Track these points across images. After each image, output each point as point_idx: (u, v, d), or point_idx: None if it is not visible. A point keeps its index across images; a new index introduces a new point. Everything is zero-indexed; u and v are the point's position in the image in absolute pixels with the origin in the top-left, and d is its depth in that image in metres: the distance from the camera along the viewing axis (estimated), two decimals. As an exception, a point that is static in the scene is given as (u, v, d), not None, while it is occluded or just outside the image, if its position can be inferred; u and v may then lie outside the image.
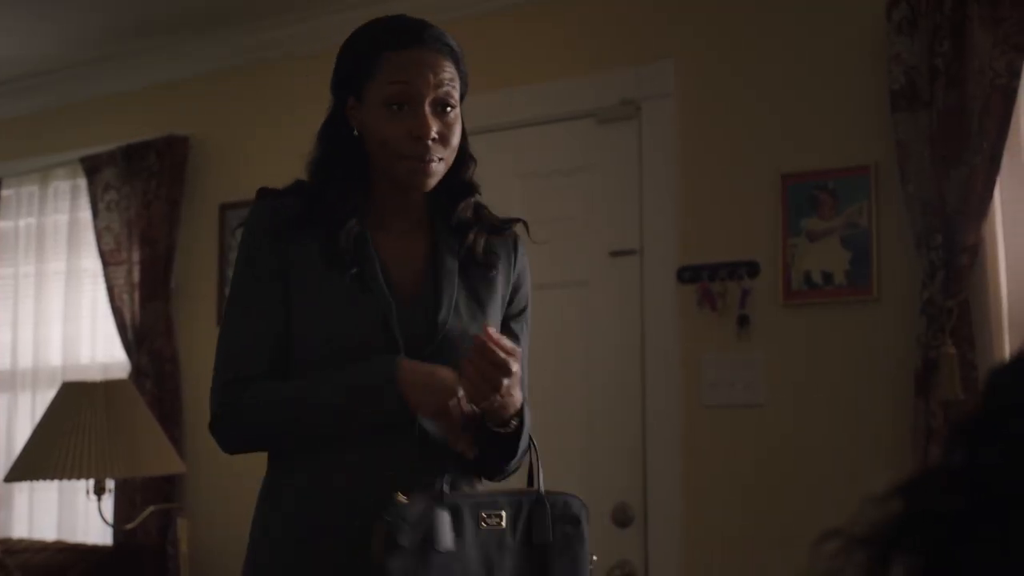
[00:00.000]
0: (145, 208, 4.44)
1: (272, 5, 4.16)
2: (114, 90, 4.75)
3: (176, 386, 4.40)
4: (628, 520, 3.42)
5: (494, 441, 1.91)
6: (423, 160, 1.90)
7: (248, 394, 1.90)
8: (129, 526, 3.96)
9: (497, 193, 3.68)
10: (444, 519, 1.80)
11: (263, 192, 2.06)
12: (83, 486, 3.74)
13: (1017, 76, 2.88)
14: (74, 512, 4.61)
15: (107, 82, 4.75)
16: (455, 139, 1.95)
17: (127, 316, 4.46)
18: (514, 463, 1.98)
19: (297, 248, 1.93)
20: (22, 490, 4.79)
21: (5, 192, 5.02)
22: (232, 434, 1.94)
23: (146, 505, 4.02)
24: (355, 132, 1.97)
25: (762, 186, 3.30)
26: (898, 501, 0.66)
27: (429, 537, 1.78)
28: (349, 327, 1.89)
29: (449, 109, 1.93)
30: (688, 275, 3.39)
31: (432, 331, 1.93)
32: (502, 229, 2.12)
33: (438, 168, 1.93)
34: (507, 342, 1.78)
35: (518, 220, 2.18)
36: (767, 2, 3.38)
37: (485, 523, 1.85)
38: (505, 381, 1.78)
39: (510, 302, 2.11)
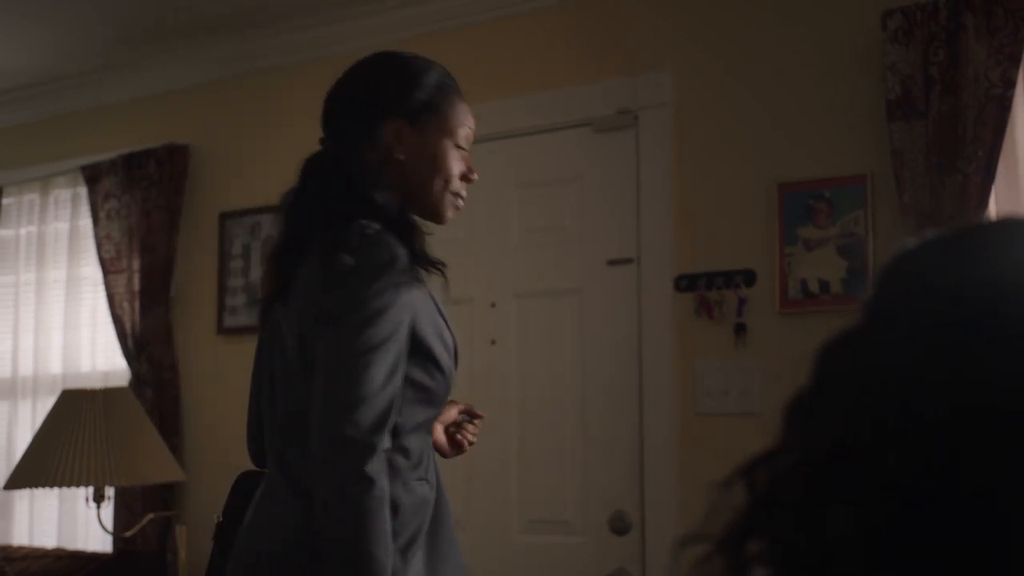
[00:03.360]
0: (145, 216, 4.46)
1: (271, 14, 4.18)
2: (114, 99, 4.77)
3: (176, 394, 4.41)
4: (626, 528, 3.43)
5: None
6: (462, 199, 2.09)
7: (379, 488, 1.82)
8: (128, 534, 3.97)
9: (495, 201, 3.72)
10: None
11: (369, 214, 1.95)
12: (83, 494, 3.75)
13: (1012, 85, 2.90)
14: (74, 520, 4.62)
15: (107, 91, 4.77)
16: None
17: (127, 324, 4.47)
18: None
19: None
20: (22, 497, 4.80)
21: (6, 201, 5.04)
22: (362, 487, 1.81)
23: (146, 513, 4.03)
24: (398, 155, 2.02)
25: (758, 195, 3.32)
26: (742, 488, 0.67)
27: None
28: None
29: None
30: (685, 284, 3.40)
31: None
32: None
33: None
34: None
35: None
36: (763, 13, 3.40)
37: None
38: None
39: None
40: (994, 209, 2.96)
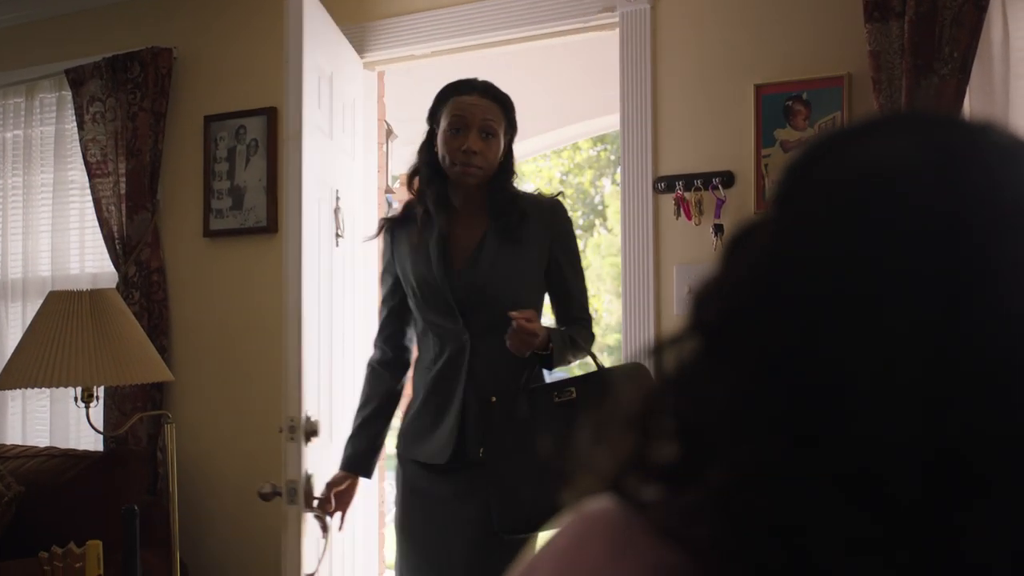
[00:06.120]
0: (130, 120, 4.46)
1: (253, -86, 4.13)
2: (99, 2, 4.74)
3: (164, 297, 4.45)
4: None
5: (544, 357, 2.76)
6: (465, 165, 2.77)
7: None
8: (117, 432, 4.04)
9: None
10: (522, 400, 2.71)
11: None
12: (73, 394, 3.79)
13: (989, -14, 2.90)
14: (66, 420, 4.69)
15: (91, -7, 4.73)
16: (491, 156, 2.79)
17: (114, 227, 4.49)
18: (557, 365, 2.76)
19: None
20: (14, 398, 4.87)
21: (-9, 104, 5.04)
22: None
23: (135, 413, 4.09)
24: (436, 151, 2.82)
25: (737, 97, 3.33)
26: (655, 362, 0.72)
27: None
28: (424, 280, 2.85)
29: (490, 136, 2.79)
30: (664, 185, 3.43)
31: (471, 287, 2.80)
32: (539, 206, 2.85)
33: (477, 173, 2.78)
34: (525, 315, 2.63)
35: (554, 197, 2.91)
36: (745, -89, 3.38)
37: (558, 399, 2.68)
38: (536, 341, 2.64)
39: (553, 252, 2.85)
40: (968, 109, 2.97)
